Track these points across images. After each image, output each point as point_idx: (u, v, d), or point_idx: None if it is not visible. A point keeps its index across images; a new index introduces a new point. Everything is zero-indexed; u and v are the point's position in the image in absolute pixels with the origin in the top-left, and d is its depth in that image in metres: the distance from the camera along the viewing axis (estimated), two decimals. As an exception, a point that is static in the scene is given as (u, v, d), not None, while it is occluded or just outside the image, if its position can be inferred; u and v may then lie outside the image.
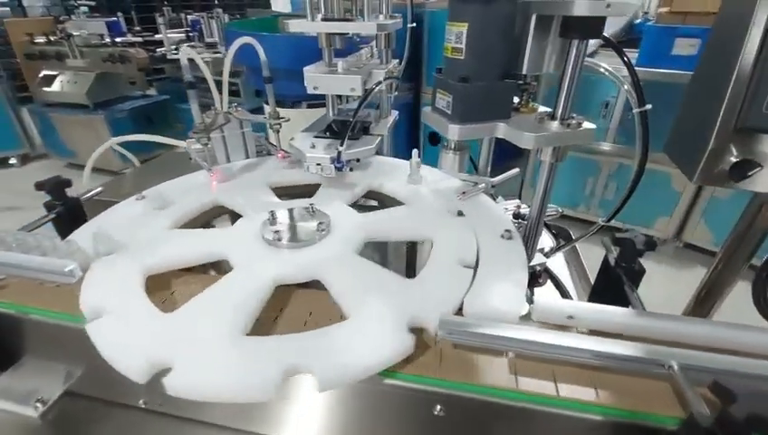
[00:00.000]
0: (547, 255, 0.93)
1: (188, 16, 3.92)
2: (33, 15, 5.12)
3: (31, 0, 5.51)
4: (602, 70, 0.78)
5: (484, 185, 0.93)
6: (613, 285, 0.69)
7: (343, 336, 0.58)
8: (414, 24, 1.00)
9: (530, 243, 0.86)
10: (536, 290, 0.92)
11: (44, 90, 3.81)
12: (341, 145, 0.86)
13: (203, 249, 0.78)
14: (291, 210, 0.84)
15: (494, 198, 1.03)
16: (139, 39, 4.04)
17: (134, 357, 0.54)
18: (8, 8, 5.28)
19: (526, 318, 0.61)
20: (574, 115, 0.72)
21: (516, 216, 0.94)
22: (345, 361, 0.54)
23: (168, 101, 4.31)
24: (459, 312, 0.62)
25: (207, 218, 0.98)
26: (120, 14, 4.27)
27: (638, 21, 3.09)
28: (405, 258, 1.08)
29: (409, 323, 0.59)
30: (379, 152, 1.18)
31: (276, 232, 0.77)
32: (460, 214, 0.87)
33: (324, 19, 0.89)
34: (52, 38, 3.82)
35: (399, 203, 0.96)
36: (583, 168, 2.95)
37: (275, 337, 0.58)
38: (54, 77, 3.81)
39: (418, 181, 0.99)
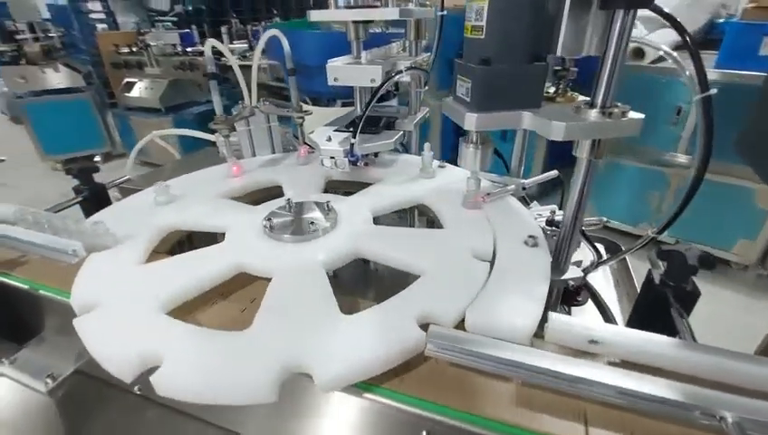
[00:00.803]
0: (586, 269, 0.81)
1: (253, 28, 4.17)
2: (124, 30, 5.74)
3: (124, 17, 6.20)
4: (662, 53, 0.66)
5: (513, 186, 0.84)
6: (657, 307, 0.57)
7: (211, 345, 0.52)
8: (444, 13, 0.94)
9: (563, 254, 0.75)
10: (573, 309, 0.80)
11: (126, 95, 4.25)
12: (354, 138, 0.81)
13: (211, 220, 0.81)
14: (300, 203, 0.80)
15: (527, 202, 0.92)
16: (208, 48, 4.34)
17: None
18: (105, 24, 5.98)
19: (541, 338, 0.51)
20: (618, 104, 0.60)
21: (550, 223, 0.82)
22: (172, 369, 0.49)
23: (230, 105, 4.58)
24: (461, 324, 0.54)
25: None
26: (194, 26, 4.64)
27: (720, 20, 2.75)
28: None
29: (289, 367, 0.49)
30: (407, 149, 1.13)
31: (269, 220, 0.74)
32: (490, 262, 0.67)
33: (347, 7, 0.86)
34: (133, 49, 4.25)
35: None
36: (647, 180, 2.61)
37: (180, 324, 0.56)
38: (134, 84, 4.24)
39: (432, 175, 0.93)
